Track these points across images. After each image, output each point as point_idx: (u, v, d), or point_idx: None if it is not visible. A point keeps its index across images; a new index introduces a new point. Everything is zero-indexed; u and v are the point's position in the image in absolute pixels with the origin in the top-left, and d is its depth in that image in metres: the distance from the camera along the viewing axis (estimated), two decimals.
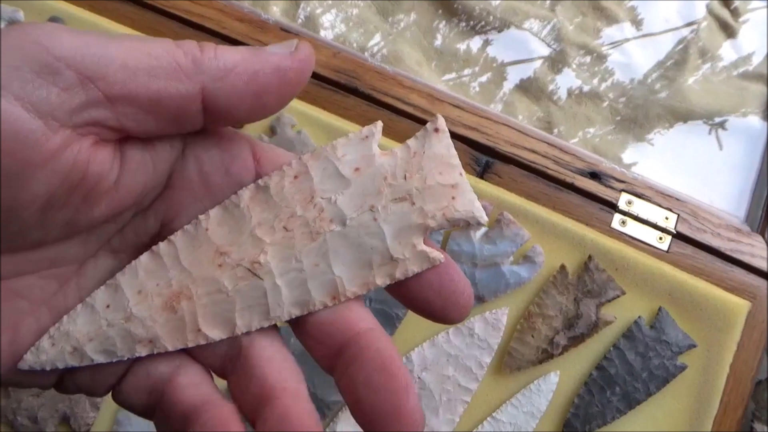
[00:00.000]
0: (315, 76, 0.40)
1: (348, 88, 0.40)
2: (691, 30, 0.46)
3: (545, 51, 0.46)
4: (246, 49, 0.14)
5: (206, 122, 0.14)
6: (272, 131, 0.38)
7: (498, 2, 0.47)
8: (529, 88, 0.46)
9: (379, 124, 0.16)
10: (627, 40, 0.47)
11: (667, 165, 0.44)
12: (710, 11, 0.47)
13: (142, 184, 0.15)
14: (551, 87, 0.45)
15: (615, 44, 0.47)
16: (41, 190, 0.13)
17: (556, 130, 0.44)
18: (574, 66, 0.46)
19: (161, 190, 0.15)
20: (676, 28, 0.47)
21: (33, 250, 0.14)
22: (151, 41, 0.14)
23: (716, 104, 0.44)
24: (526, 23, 0.47)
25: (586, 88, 0.45)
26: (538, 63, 0.46)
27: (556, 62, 0.46)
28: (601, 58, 0.46)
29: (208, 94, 0.14)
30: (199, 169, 0.15)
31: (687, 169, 0.44)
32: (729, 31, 0.46)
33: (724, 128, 0.44)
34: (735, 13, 0.47)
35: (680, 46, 0.46)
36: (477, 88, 0.46)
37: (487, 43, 0.47)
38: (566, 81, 0.46)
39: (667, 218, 0.39)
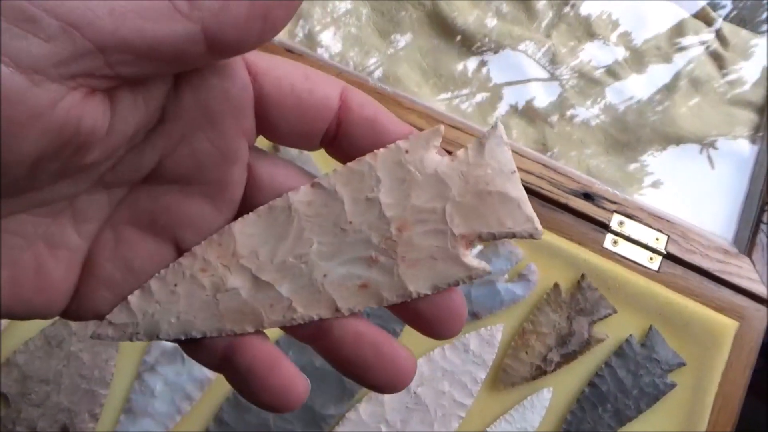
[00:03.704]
0: None
1: None
2: (682, 57, 0.48)
3: (540, 73, 0.48)
4: None
5: (212, 58, 0.14)
6: (275, 148, 0.39)
7: (494, 24, 0.49)
8: (523, 109, 0.47)
9: (441, 127, 0.16)
10: (619, 64, 0.48)
11: (660, 187, 0.45)
12: (700, 39, 0.49)
13: (134, 125, 0.14)
14: (546, 109, 0.47)
15: (608, 68, 0.48)
16: (29, 149, 0.12)
17: (550, 153, 0.46)
18: (568, 88, 0.47)
19: (155, 124, 0.15)
20: (668, 54, 0.48)
21: (21, 195, 0.14)
22: None
23: (706, 128, 0.46)
24: (521, 45, 0.48)
25: (580, 111, 0.47)
26: (533, 84, 0.48)
27: (551, 84, 0.47)
28: (594, 81, 0.47)
29: (211, 31, 0.13)
30: (196, 97, 0.15)
31: (679, 191, 0.45)
32: (719, 59, 0.48)
33: (714, 147, 0.46)
34: (724, 42, 0.48)
35: (671, 73, 0.48)
36: (472, 108, 0.47)
37: (482, 63, 0.48)
38: (561, 103, 0.47)
39: (657, 239, 0.40)
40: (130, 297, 0.16)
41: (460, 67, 0.48)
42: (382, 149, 0.16)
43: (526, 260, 0.38)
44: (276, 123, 0.16)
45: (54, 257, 0.15)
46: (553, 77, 0.47)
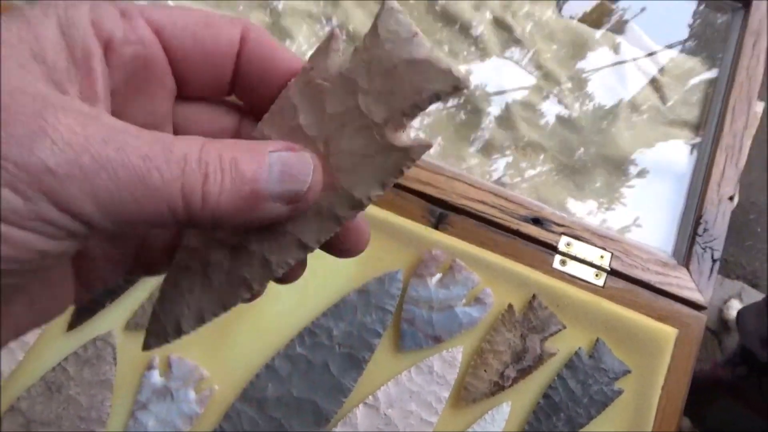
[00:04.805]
0: None
1: None
2: (621, 79, 0.52)
3: (530, 80, 0.51)
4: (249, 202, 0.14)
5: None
6: None
7: (479, 31, 0.52)
8: (504, 119, 0.51)
9: (336, 31, 0.16)
10: (563, 93, 0.52)
11: (605, 205, 0.49)
12: (638, 65, 0.52)
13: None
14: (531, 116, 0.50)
15: (553, 96, 0.52)
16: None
17: (504, 179, 0.49)
18: (518, 113, 0.51)
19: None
20: (609, 76, 0.52)
21: None
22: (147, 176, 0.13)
23: (646, 149, 0.50)
24: (507, 52, 0.52)
25: (530, 135, 0.50)
26: (522, 92, 0.51)
27: (540, 89, 0.51)
28: (540, 112, 0.51)
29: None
30: (122, 77, 0.15)
31: (623, 209, 0.49)
32: (655, 84, 0.52)
33: (654, 166, 0.49)
34: (661, 71, 0.52)
35: (614, 98, 0.52)
36: (463, 117, 0.50)
37: (468, 72, 0.52)
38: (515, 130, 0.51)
39: (602, 256, 0.43)
40: (155, 305, 0.17)
41: (464, 43, 0.51)
42: (293, 79, 0.16)
43: (481, 285, 0.42)
44: (184, 75, 0.16)
45: (46, 293, 0.16)
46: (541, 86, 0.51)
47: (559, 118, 0.51)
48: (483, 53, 0.52)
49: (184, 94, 0.17)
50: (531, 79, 0.52)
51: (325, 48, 0.16)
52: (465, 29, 0.53)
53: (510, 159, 0.50)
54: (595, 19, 0.55)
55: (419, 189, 0.45)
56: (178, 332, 0.17)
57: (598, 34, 0.54)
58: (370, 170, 0.15)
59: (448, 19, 0.53)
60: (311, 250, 0.16)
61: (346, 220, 0.16)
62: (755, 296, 1.17)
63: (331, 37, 0.16)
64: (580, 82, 0.52)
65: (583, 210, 0.49)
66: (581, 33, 0.54)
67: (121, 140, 0.13)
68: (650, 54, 0.53)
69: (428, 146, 0.15)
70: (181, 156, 0.13)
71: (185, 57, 0.16)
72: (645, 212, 0.48)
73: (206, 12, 0.16)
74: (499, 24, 0.53)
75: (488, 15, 0.54)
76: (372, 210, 0.43)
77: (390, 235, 0.43)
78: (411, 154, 0.15)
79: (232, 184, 0.14)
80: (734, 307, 1.14)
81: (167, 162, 0.13)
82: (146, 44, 0.15)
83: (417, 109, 0.15)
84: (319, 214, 0.16)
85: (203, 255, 0.17)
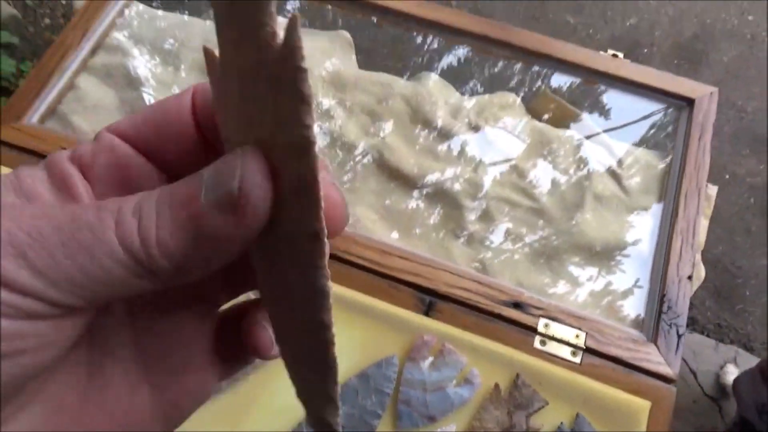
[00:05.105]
0: None
1: None
2: (586, 174, 0.59)
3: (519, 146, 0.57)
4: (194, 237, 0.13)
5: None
6: None
7: (472, 103, 0.59)
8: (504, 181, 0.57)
9: (205, 49, 0.15)
10: (533, 186, 0.59)
11: (579, 289, 0.54)
12: (599, 160, 0.60)
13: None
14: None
15: (533, 188, 0.58)
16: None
17: (487, 265, 0.55)
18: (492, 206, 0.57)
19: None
20: (575, 171, 0.59)
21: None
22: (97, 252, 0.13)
23: (612, 236, 0.56)
24: (500, 122, 0.59)
25: (507, 224, 0.57)
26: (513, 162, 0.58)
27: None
28: (514, 204, 0.58)
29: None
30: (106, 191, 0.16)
31: (595, 292, 0.54)
32: (615, 176, 0.59)
33: (621, 254, 0.55)
34: (620, 164, 0.59)
35: (579, 190, 0.58)
36: (459, 188, 0.56)
37: (465, 143, 0.58)
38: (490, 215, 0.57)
39: (577, 336, 0.48)
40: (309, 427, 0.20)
41: (444, 147, 0.58)
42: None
43: (469, 366, 0.46)
44: (159, 159, 0.17)
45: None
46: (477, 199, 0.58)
47: (531, 209, 0.57)
48: (461, 154, 0.60)
49: (173, 174, 0.17)
50: (506, 174, 0.59)
51: (211, 72, 0.15)
52: (444, 133, 0.60)
53: (490, 250, 0.56)
54: (559, 119, 0.63)
55: (410, 280, 0.50)
56: (330, 428, 0.17)
57: (563, 133, 0.61)
58: (281, 102, 0.13)
59: (428, 125, 0.60)
60: (321, 230, 0.14)
61: (314, 170, 0.13)
62: (750, 360, 1.19)
63: (208, 59, 0.15)
64: (547, 177, 0.59)
65: (561, 292, 0.54)
66: (547, 133, 0.61)
67: (53, 211, 0.13)
68: (608, 148, 0.60)
69: (294, 18, 0.12)
70: (114, 209, 0.13)
71: (150, 142, 0.17)
72: (615, 293, 0.53)
73: (158, 100, 0.17)
74: (474, 128, 0.61)
75: (465, 121, 0.61)
76: (368, 300, 0.48)
77: (385, 323, 0.48)
78: (291, 42, 0.12)
79: (168, 216, 0.13)
80: (731, 372, 1.16)
81: (98, 218, 0.13)
82: (114, 148, 0.16)
83: (265, 6, 0.13)
84: (295, 192, 0.14)
85: (285, 356, 0.17)
